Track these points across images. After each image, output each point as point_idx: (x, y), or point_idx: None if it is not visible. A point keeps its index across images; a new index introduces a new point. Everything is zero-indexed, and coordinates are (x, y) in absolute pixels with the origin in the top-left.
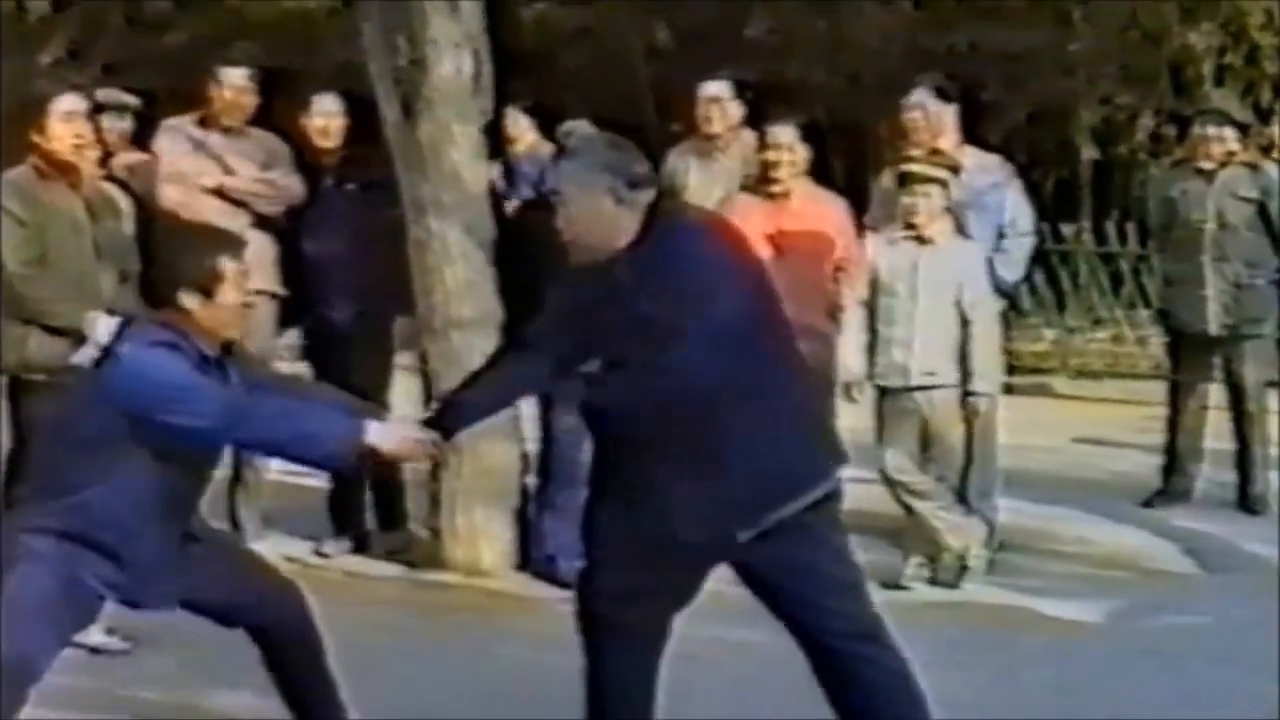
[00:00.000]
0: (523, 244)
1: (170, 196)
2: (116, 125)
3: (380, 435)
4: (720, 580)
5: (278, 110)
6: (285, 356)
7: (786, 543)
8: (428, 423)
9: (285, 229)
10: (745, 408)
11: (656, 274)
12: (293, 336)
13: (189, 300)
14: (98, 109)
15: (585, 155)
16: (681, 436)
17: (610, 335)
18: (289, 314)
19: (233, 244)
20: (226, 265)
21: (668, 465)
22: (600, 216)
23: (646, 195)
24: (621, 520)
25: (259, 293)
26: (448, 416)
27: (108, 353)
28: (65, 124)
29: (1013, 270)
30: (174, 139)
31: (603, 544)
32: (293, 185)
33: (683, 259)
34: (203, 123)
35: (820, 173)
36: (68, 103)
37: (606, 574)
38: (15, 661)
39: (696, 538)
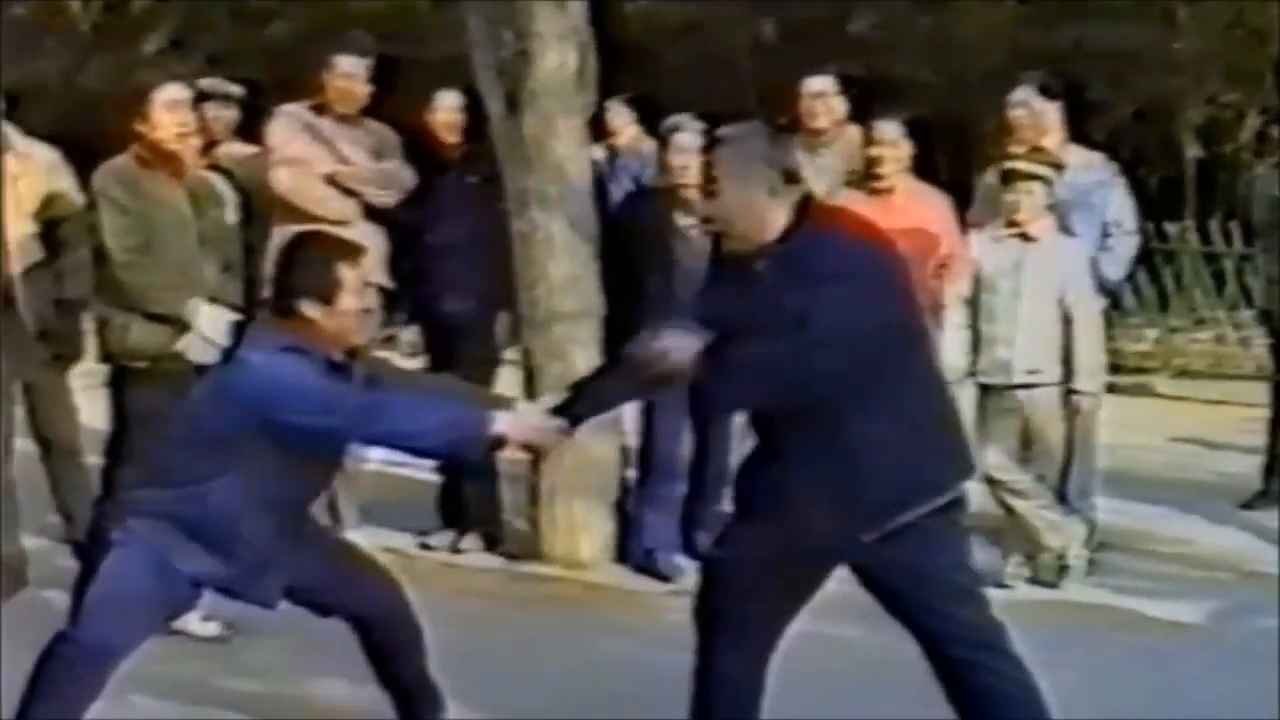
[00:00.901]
0: (626, 237)
1: (283, 181)
2: (222, 114)
3: (508, 424)
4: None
5: (388, 101)
6: (406, 351)
7: (910, 547)
8: (557, 409)
9: (396, 221)
10: (880, 409)
11: (803, 271)
12: (412, 332)
13: (310, 309)
14: (202, 98)
15: (745, 145)
16: (813, 435)
17: (748, 328)
18: (410, 309)
19: (350, 251)
20: (346, 273)
21: (797, 463)
22: (754, 207)
23: (798, 190)
24: (746, 517)
25: (370, 285)
26: (578, 404)
27: (229, 354)
28: (169, 113)
29: (1116, 269)
30: (288, 124)
31: (727, 542)
32: (404, 175)
33: (830, 258)
34: (317, 110)
35: (925, 169)
36: (171, 92)
37: (729, 573)
38: (98, 645)
39: (822, 537)
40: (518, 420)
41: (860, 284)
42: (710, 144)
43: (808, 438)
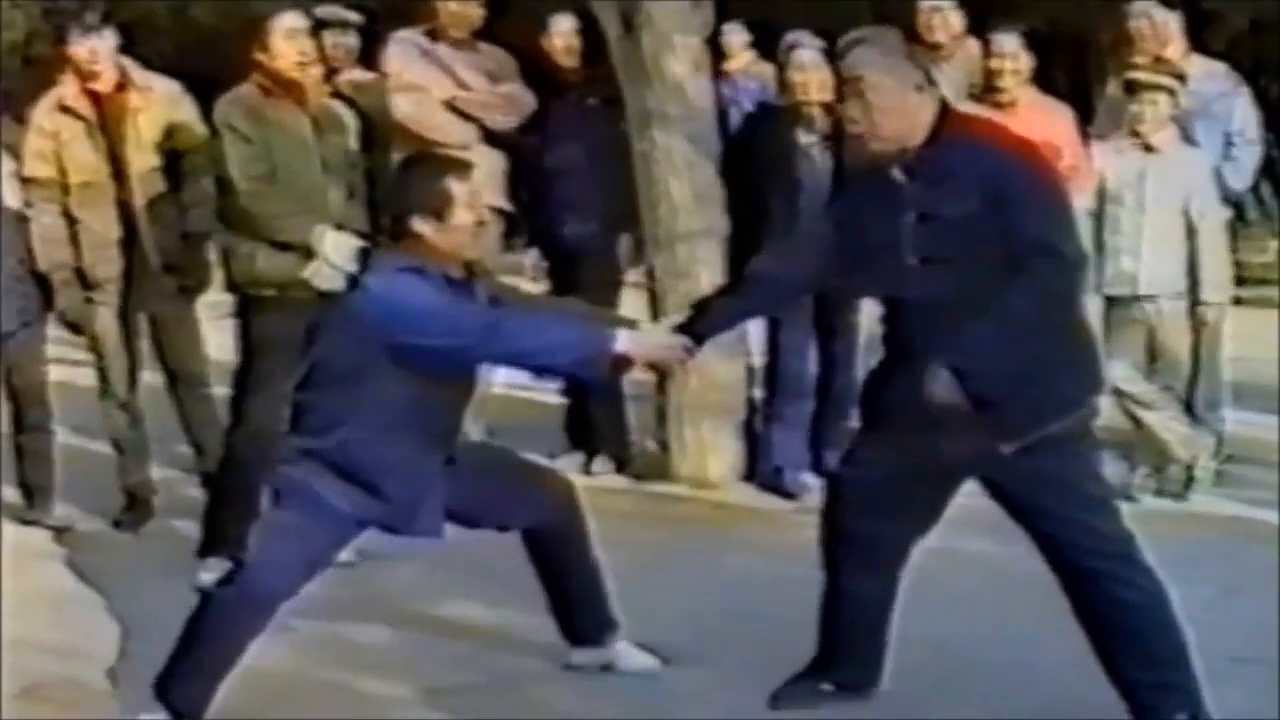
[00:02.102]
0: (748, 156)
1: (401, 108)
2: (341, 41)
3: (632, 342)
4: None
5: (501, 25)
6: (528, 275)
7: (1045, 458)
8: (680, 327)
9: (517, 145)
10: (1024, 317)
11: (953, 177)
12: (534, 256)
13: (423, 226)
14: (320, 26)
15: (885, 42)
16: (954, 344)
17: (888, 238)
18: (531, 233)
19: (458, 167)
20: (455, 187)
21: (935, 374)
22: (906, 106)
23: (936, 94)
24: (876, 431)
25: (490, 209)
26: (702, 322)
27: (354, 281)
28: (288, 41)
29: (1240, 179)
30: (404, 50)
31: (855, 459)
32: (524, 99)
33: (981, 166)
34: (431, 35)
35: (1043, 82)
36: (289, 20)
37: (856, 490)
38: (266, 591)
39: (960, 450)
40: (641, 339)
41: (1008, 188)
42: (845, 48)
43: (946, 346)
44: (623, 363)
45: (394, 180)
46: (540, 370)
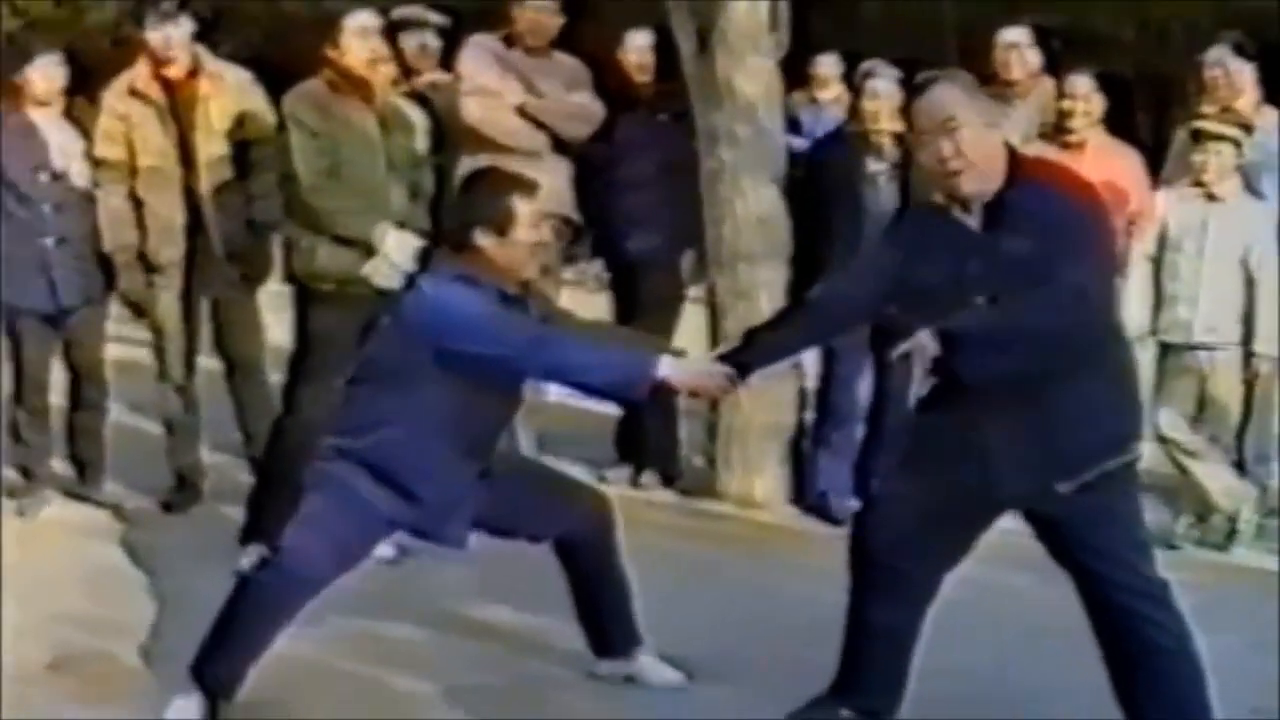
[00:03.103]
0: (816, 180)
1: (472, 112)
2: (423, 42)
3: (675, 369)
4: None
5: (578, 34)
6: (591, 286)
7: (1097, 495)
8: (724, 358)
9: (586, 156)
10: (1085, 359)
11: (1029, 218)
12: (597, 267)
13: (484, 239)
14: (396, 26)
15: (964, 81)
16: (1019, 383)
17: (954, 281)
18: (596, 244)
19: (525, 186)
20: (520, 205)
21: (990, 410)
22: (993, 144)
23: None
24: (921, 466)
25: (554, 217)
26: (749, 352)
27: (411, 281)
28: (359, 39)
29: None
30: (479, 55)
31: (890, 488)
32: (595, 110)
33: (1052, 208)
34: (507, 41)
35: (1123, 126)
36: (362, 19)
37: (889, 520)
38: (299, 580)
39: (1012, 485)
40: (684, 366)
41: (1084, 238)
42: (925, 85)
43: (1006, 385)
44: (664, 388)
45: (460, 191)
46: (582, 388)
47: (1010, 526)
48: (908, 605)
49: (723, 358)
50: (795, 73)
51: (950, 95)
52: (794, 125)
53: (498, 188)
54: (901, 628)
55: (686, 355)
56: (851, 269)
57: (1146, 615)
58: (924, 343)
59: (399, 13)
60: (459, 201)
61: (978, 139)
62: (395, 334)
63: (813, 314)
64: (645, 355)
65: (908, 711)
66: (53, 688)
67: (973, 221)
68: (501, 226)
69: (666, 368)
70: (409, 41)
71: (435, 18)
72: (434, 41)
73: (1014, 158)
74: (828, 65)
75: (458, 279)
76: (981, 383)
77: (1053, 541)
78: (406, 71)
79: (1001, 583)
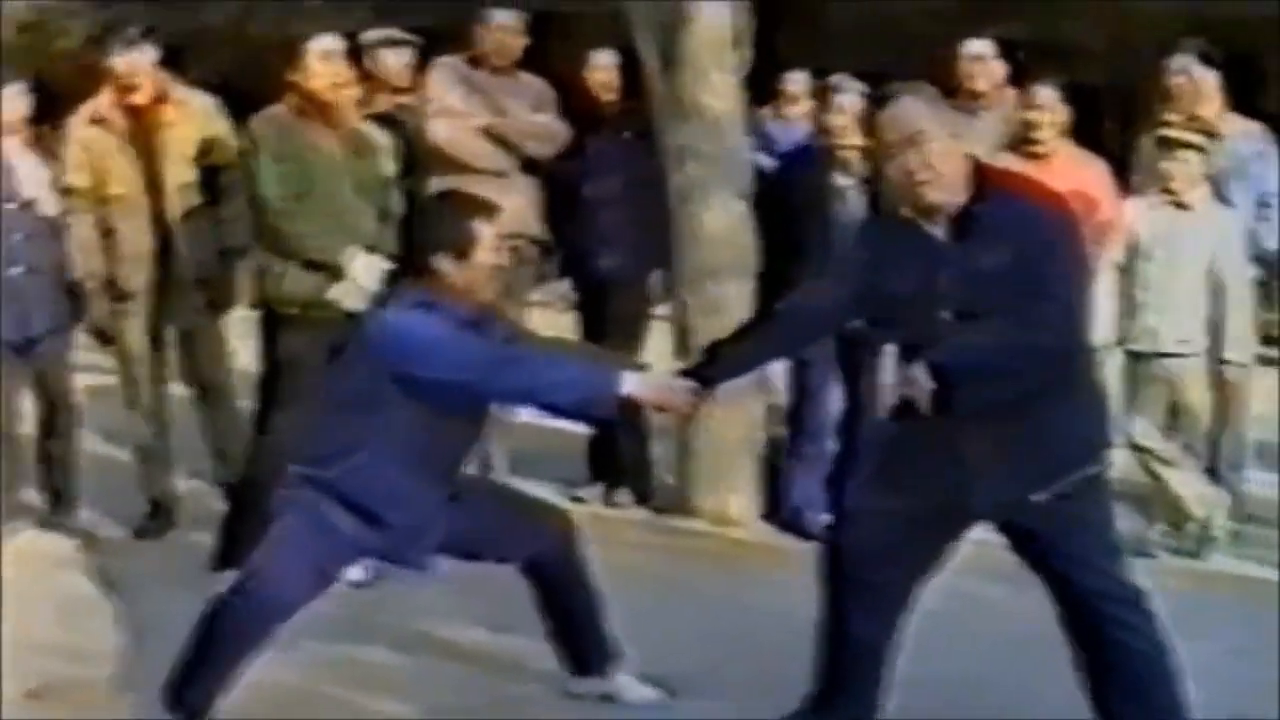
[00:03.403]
0: (783, 196)
1: (439, 133)
2: (401, 61)
3: (639, 385)
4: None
5: (543, 55)
6: (559, 306)
7: (1069, 503)
8: (689, 372)
9: (553, 176)
10: (1061, 370)
11: (999, 230)
12: (565, 286)
13: (443, 263)
14: (355, 50)
15: (927, 94)
16: (988, 394)
17: (922, 293)
18: (563, 263)
19: (486, 209)
20: (481, 228)
21: (967, 421)
22: (958, 156)
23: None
24: (895, 478)
25: (522, 237)
26: (712, 367)
27: (380, 301)
28: (322, 64)
29: (1273, 239)
30: (444, 76)
31: (862, 501)
32: (559, 129)
33: (1025, 219)
34: (473, 62)
35: (1091, 135)
36: (325, 43)
37: (863, 532)
38: (267, 604)
39: (991, 497)
40: (648, 382)
41: (1062, 250)
42: (888, 98)
43: (981, 396)
44: (629, 405)
45: (421, 214)
46: (548, 408)
47: (985, 538)
48: (883, 616)
49: (686, 372)
50: (764, 88)
51: (915, 108)
52: (766, 141)
53: (458, 211)
54: (878, 639)
55: (650, 370)
56: (817, 282)
57: (1121, 620)
58: (920, 381)
59: (369, 35)
60: (419, 224)
61: (944, 151)
62: (357, 362)
63: (776, 326)
64: (609, 372)
65: None
66: (32, 715)
67: (939, 233)
68: (462, 250)
69: (630, 384)
70: (387, 60)
71: (410, 37)
72: (408, 58)
73: (980, 169)
74: (796, 82)
75: (418, 305)
76: (972, 411)
77: (1026, 550)
78: (393, 90)
79: (978, 593)
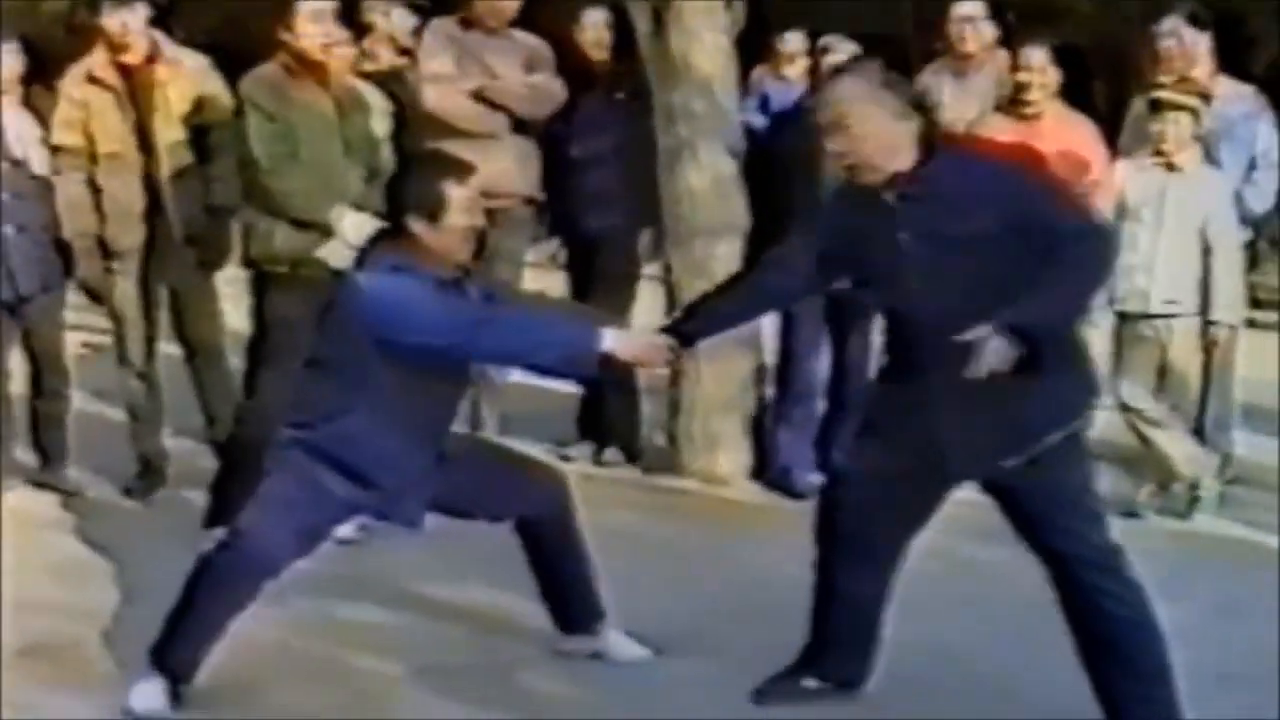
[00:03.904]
0: (774, 156)
1: (429, 97)
2: (407, 21)
3: (618, 341)
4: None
5: (540, 14)
6: (548, 265)
7: (1044, 468)
8: (670, 329)
9: (546, 135)
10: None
11: (943, 194)
12: (555, 246)
13: (417, 225)
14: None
15: (866, 74)
16: (960, 356)
17: (878, 260)
18: (554, 223)
19: (459, 169)
20: (452, 191)
21: (941, 384)
22: (887, 135)
23: (918, 119)
24: (877, 438)
25: (514, 197)
26: (691, 324)
27: (359, 262)
28: (313, 23)
29: (1262, 201)
30: (435, 39)
31: (852, 459)
32: (555, 89)
33: (971, 180)
34: (464, 24)
35: (1080, 96)
36: (315, 3)
37: (854, 490)
38: (256, 561)
39: (962, 457)
40: (627, 338)
41: (1004, 202)
42: (824, 83)
43: (952, 360)
44: (610, 361)
45: (395, 176)
46: (528, 367)
47: (979, 499)
48: (874, 573)
49: (666, 329)
50: (758, 49)
51: (850, 91)
52: (761, 101)
53: (430, 173)
54: (869, 596)
55: (630, 327)
56: (792, 242)
57: (1100, 586)
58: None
59: None
60: (393, 186)
61: (870, 133)
62: (340, 324)
63: (754, 283)
64: (587, 329)
65: (884, 687)
66: (24, 673)
67: (892, 199)
68: (433, 212)
69: (609, 340)
70: (392, 19)
71: None
72: (412, 21)
73: (932, 137)
74: (793, 42)
75: (393, 269)
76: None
77: (1010, 514)
78: (403, 50)
79: (976, 557)
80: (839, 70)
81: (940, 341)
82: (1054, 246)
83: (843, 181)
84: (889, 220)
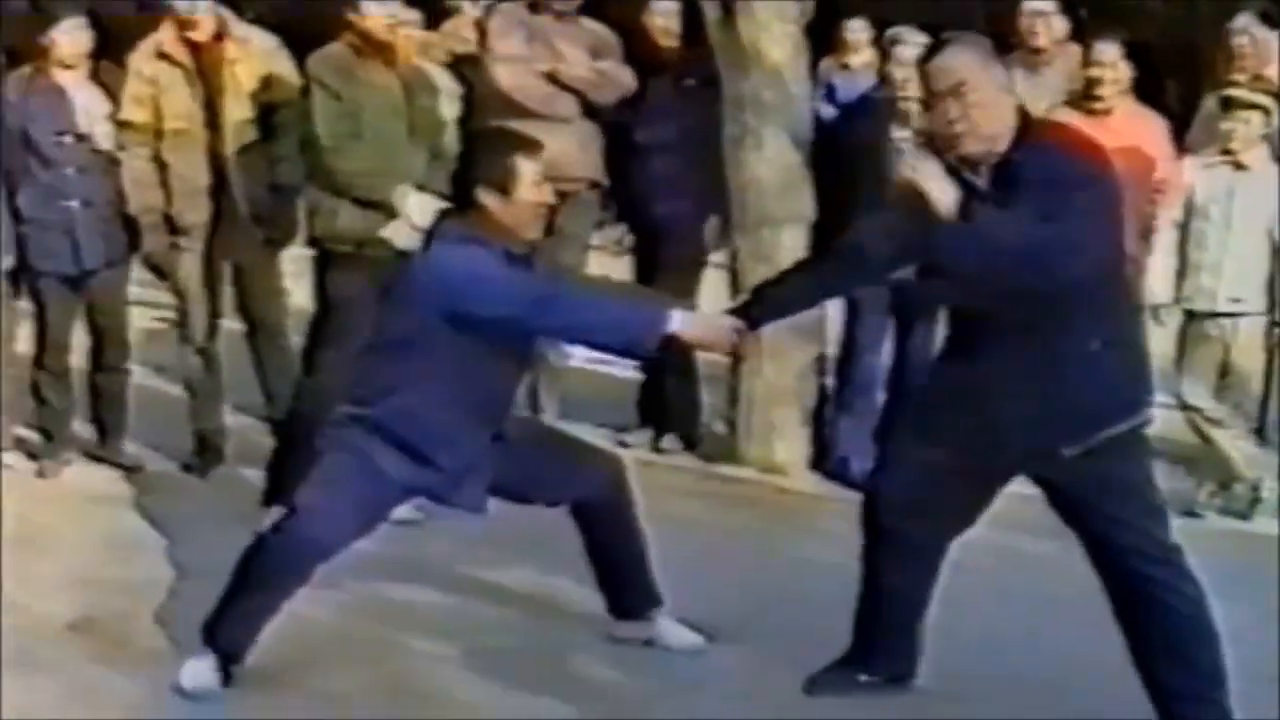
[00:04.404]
0: (841, 146)
1: (503, 78)
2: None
3: (685, 322)
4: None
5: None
6: (615, 250)
7: (1105, 460)
8: (735, 312)
9: (615, 122)
10: (1089, 323)
11: (1034, 180)
12: (621, 231)
13: (487, 198)
14: None
15: (979, 44)
16: (1021, 346)
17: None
18: (620, 208)
19: (529, 145)
20: (523, 165)
21: (999, 374)
22: (998, 105)
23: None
24: (931, 429)
25: (580, 180)
26: (757, 308)
27: (428, 238)
28: (377, 4)
29: None
30: (506, 22)
31: (902, 452)
32: (624, 76)
33: (1062, 169)
34: (534, 8)
35: (1151, 94)
36: None
37: (901, 483)
38: (310, 543)
39: (1020, 448)
40: (693, 320)
41: (1080, 197)
42: (937, 49)
43: (1014, 348)
44: (673, 343)
45: (465, 149)
46: (591, 345)
47: (1031, 493)
48: (919, 568)
49: (733, 312)
50: (827, 38)
51: (962, 59)
52: (828, 91)
53: (501, 147)
54: (913, 591)
55: (695, 309)
56: (863, 227)
57: (1161, 580)
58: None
59: None
60: (463, 159)
61: (986, 102)
62: (405, 299)
63: (823, 268)
64: (654, 309)
65: (934, 682)
66: (73, 647)
67: (980, 183)
68: (504, 185)
69: (676, 321)
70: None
71: None
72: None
73: (1026, 121)
74: (858, 30)
75: (464, 240)
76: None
77: (1064, 508)
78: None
79: (1022, 550)
80: (946, 41)
81: (1004, 327)
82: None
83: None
84: (970, 205)
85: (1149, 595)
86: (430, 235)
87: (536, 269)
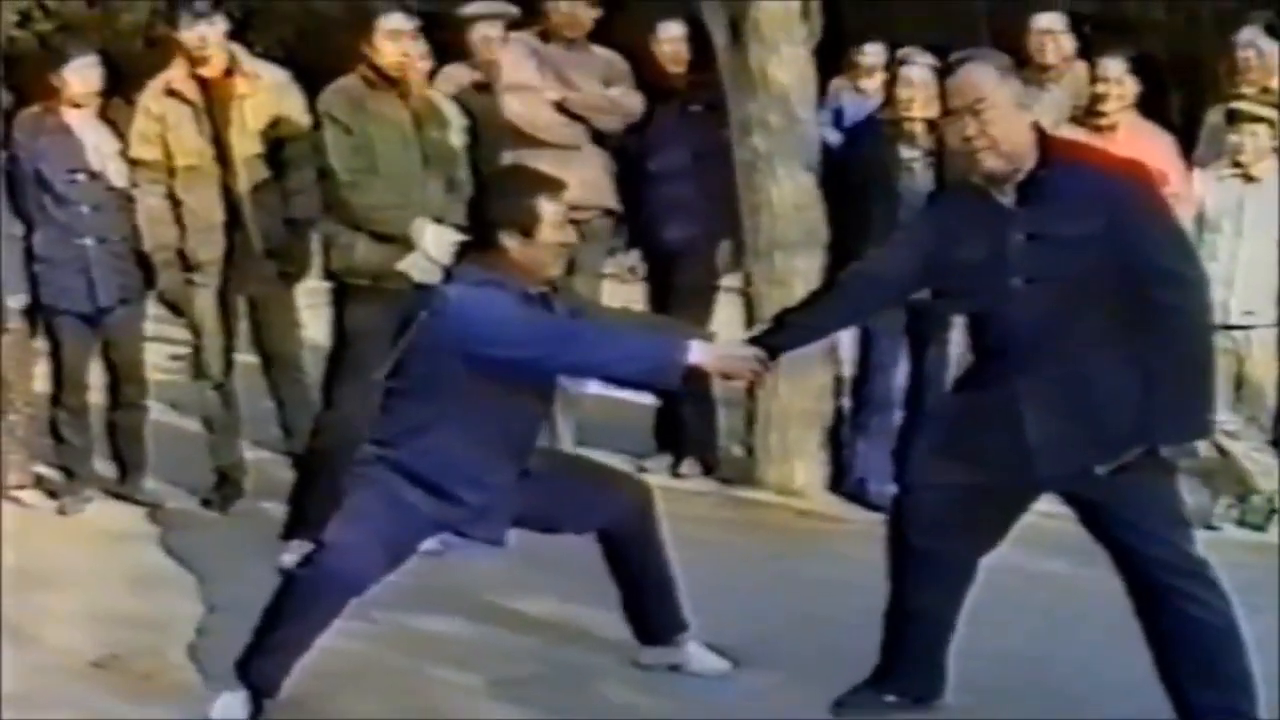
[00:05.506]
0: (851, 168)
1: (511, 108)
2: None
3: (704, 354)
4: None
5: (617, 27)
6: (627, 277)
7: (1135, 474)
8: (755, 341)
9: (624, 148)
10: (1122, 340)
11: (1065, 197)
12: (634, 258)
13: (508, 240)
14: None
15: (992, 60)
16: (1052, 363)
17: (985, 255)
18: (632, 234)
19: (551, 185)
20: (545, 206)
21: (1030, 391)
22: (1020, 124)
23: (1032, 114)
24: (958, 449)
25: (596, 209)
26: (778, 336)
27: (447, 277)
28: (391, 41)
29: None
30: (515, 51)
31: (925, 475)
32: (633, 103)
33: (1092, 186)
34: (543, 36)
35: (1155, 108)
36: (394, 21)
37: (926, 505)
38: (340, 579)
39: (1053, 467)
40: (715, 350)
41: (1112, 214)
42: (955, 65)
43: (1045, 365)
44: (696, 374)
45: (486, 190)
46: (615, 381)
47: (1050, 510)
48: (946, 589)
49: (753, 340)
50: (835, 61)
51: (980, 75)
52: (837, 114)
53: (523, 188)
54: (940, 612)
55: (716, 339)
56: (884, 250)
57: (1189, 593)
58: None
59: (470, 9)
60: (484, 199)
61: (1004, 119)
62: (424, 342)
63: (843, 295)
64: (675, 341)
65: (962, 700)
66: (99, 685)
67: (1008, 200)
68: (526, 227)
69: (697, 353)
70: (477, 33)
71: (510, 8)
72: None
73: (1045, 139)
74: (872, 54)
75: (482, 283)
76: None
77: (1091, 521)
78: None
79: (1041, 568)
80: (966, 58)
81: (1034, 344)
82: (1145, 287)
83: (955, 181)
84: (1000, 219)
85: (1179, 609)
86: (449, 273)
87: (555, 307)
